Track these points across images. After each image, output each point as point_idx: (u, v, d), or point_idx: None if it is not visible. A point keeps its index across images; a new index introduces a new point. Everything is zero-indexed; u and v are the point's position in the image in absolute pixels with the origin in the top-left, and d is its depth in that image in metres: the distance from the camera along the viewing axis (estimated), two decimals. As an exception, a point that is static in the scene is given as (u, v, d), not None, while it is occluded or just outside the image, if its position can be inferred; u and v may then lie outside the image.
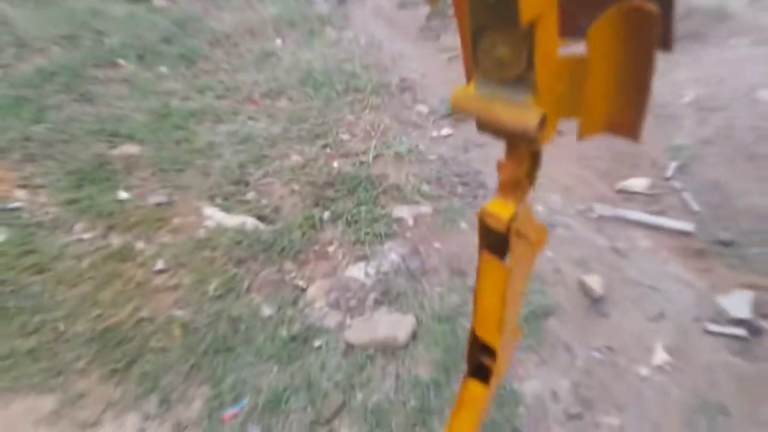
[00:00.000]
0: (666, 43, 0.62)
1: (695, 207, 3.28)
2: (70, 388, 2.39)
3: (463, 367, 2.53)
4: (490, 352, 1.00)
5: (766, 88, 4.03)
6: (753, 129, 3.77)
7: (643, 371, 2.56)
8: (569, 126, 0.79)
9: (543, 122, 0.64)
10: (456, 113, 0.70)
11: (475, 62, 0.65)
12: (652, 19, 0.57)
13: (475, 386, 1.03)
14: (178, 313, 2.64)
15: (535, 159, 0.77)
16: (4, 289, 2.67)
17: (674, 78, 4.21)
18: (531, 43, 0.61)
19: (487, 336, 0.95)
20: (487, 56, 0.63)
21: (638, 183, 3.41)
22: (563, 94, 0.69)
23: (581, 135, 0.70)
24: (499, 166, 0.77)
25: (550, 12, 0.63)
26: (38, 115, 3.44)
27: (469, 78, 0.85)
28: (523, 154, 0.73)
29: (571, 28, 0.68)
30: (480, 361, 1.02)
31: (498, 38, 0.62)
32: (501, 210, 0.79)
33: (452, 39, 4.45)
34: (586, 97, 0.67)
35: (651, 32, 0.59)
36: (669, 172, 3.50)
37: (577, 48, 0.68)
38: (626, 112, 0.68)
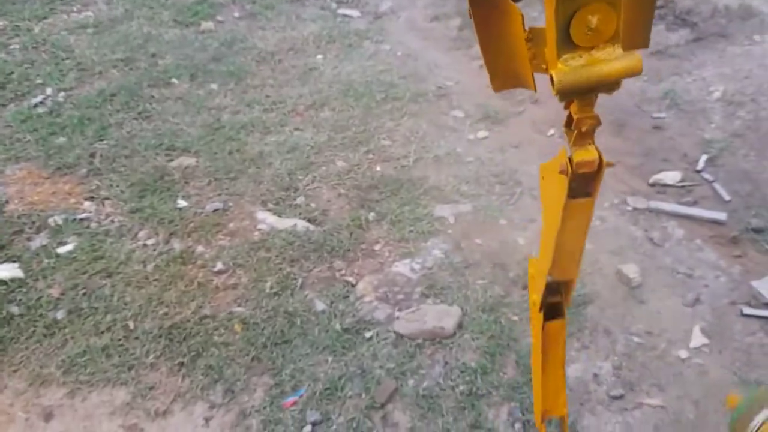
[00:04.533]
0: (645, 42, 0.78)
1: (726, 197, 3.37)
2: (142, 381, 2.59)
3: (508, 353, 2.66)
4: (555, 291, 1.15)
5: (793, 81, 4.12)
6: (782, 120, 3.87)
7: (682, 353, 2.67)
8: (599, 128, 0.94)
9: None
10: (564, 93, 0.79)
11: (563, 43, 0.76)
12: None
13: (554, 325, 1.17)
14: (238, 309, 2.83)
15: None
16: (77, 292, 2.89)
17: (702, 75, 4.31)
18: (619, 11, 0.74)
19: (567, 274, 1.08)
20: (581, 28, 0.75)
21: (670, 176, 3.51)
22: None
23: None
24: (579, 121, 0.87)
25: None
26: (101, 132, 3.69)
27: (494, 80, 0.98)
28: (593, 102, 0.86)
29: None
30: (549, 303, 1.17)
31: (592, 11, 0.74)
32: (589, 155, 0.90)
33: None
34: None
35: None
36: (700, 165, 3.60)
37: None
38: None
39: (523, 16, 0.77)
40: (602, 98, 0.84)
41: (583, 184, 0.94)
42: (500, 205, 3.34)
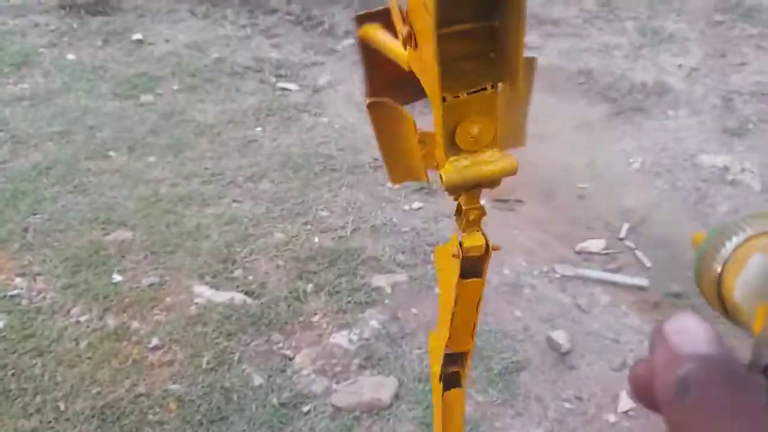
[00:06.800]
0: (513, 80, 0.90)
1: (648, 263, 3.58)
2: (73, 464, 2.51)
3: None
4: (454, 362, 1.20)
5: (704, 154, 4.44)
6: (695, 190, 4.15)
7: (611, 418, 2.76)
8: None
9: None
10: (452, 190, 0.91)
11: (449, 147, 0.88)
12: None
13: (453, 394, 1.22)
14: (174, 386, 2.80)
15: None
16: (6, 372, 2.81)
17: (622, 147, 4.59)
18: (495, 122, 0.86)
19: (461, 345, 1.14)
20: (464, 136, 0.87)
21: (595, 244, 3.70)
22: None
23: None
24: (467, 211, 0.97)
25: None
26: (35, 206, 3.65)
27: (391, 174, 1.10)
28: (479, 195, 0.97)
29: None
30: (448, 372, 1.21)
31: (473, 122, 0.87)
32: (476, 241, 1.00)
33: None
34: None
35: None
36: (622, 233, 3.81)
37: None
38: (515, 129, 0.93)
39: (414, 122, 0.89)
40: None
41: (473, 266, 1.03)
42: (435, 274, 3.43)
